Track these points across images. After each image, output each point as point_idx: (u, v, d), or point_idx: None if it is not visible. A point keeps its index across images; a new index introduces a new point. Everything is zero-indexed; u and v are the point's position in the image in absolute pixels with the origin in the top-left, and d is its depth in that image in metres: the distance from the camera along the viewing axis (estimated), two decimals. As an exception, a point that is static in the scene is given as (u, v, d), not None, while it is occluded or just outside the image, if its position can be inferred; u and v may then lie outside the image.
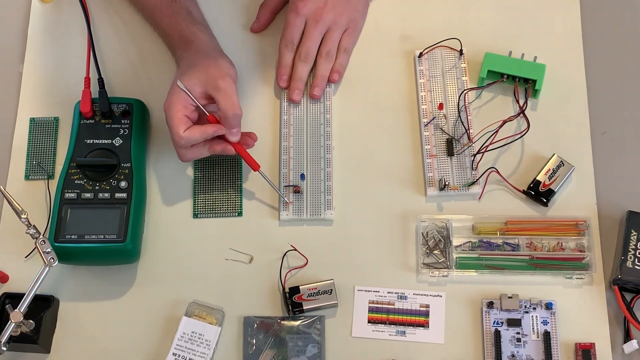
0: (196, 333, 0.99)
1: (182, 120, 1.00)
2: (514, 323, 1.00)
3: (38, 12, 1.17)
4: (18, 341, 0.97)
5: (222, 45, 1.11)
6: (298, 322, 1.01)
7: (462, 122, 1.08)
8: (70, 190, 1.02)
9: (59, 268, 1.03)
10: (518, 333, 1.00)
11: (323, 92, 1.11)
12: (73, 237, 1.00)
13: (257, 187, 1.08)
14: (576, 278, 1.02)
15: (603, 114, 1.10)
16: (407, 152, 1.09)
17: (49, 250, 0.96)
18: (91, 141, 1.05)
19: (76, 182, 1.02)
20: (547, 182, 1.05)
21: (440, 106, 1.09)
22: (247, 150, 1.04)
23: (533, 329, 1.00)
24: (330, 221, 1.06)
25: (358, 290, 1.03)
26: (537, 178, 1.05)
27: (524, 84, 1.10)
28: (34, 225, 0.95)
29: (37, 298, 0.97)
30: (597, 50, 1.13)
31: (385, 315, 1.02)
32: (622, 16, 1.16)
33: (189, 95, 1.00)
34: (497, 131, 1.07)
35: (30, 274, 0.97)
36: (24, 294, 0.95)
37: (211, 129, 1.01)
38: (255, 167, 1.04)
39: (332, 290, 1.01)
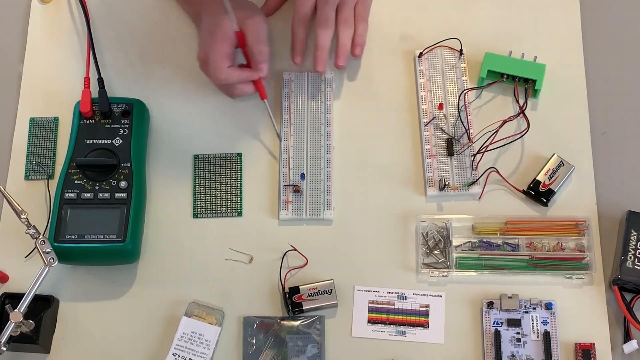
0: (196, 333, 0.99)
1: (225, 56, 1.02)
2: (514, 323, 1.00)
3: (38, 12, 1.17)
4: (18, 341, 0.97)
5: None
6: (298, 322, 1.01)
7: (462, 122, 1.08)
8: (70, 190, 1.02)
9: (59, 268, 1.03)
10: (518, 333, 1.00)
11: (346, 62, 1.10)
12: (73, 237, 1.00)
13: (257, 187, 1.08)
14: (576, 278, 1.02)
15: (603, 114, 1.10)
16: (407, 152, 1.09)
17: (48, 250, 0.96)
18: (91, 141, 1.05)
19: (76, 182, 1.02)
20: (547, 182, 1.05)
21: (440, 106, 1.09)
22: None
23: (533, 329, 1.00)
24: (330, 221, 1.06)
25: (358, 290, 1.03)
26: (537, 178, 1.05)
27: (524, 84, 1.10)
28: (33, 225, 0.95)
29: (37, 298, 0.97)
30: (597, 50, 1.13)
31: (385, 315, 1.02)
32: (622, 16, 1.16)
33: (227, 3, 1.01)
34: (497, 131, 1.07)
35: (30, 274, 0.97)
36: (24, 294, 0.95)
37: (246, 73, 1.04)
38: (263, 95, 1.06)
39: (332, 290, 1.01)
